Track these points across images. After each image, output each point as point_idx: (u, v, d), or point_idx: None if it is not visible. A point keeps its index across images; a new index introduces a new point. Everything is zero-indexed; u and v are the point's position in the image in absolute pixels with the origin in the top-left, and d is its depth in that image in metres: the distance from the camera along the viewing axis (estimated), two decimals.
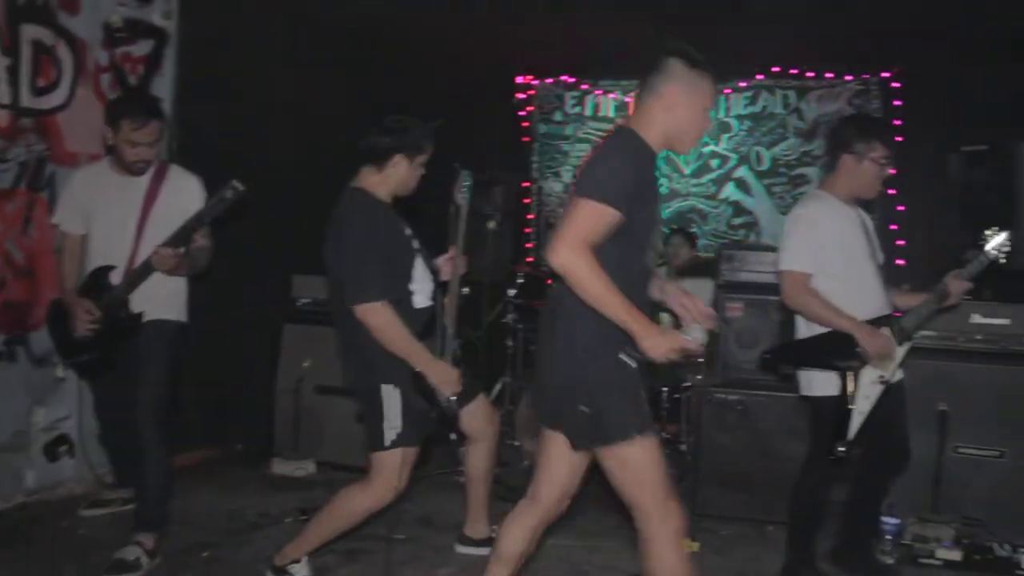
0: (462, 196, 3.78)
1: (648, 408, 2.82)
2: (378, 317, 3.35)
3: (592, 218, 2.61)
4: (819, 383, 3.71)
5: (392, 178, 3.55)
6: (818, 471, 3.77)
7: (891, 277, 3.94)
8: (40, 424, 4.61)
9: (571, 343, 2.75)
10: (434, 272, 3.70)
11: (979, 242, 3.70)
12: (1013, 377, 4.42)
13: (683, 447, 6.01)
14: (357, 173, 3.59)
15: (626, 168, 2.70)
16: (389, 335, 3.37)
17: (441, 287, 3.71)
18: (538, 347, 2.99)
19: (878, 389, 3.62)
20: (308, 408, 5.53)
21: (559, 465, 2.97)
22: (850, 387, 3.59)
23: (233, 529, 4.35)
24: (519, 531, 3.08)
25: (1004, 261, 3.64)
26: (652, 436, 2.76)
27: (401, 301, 3.46)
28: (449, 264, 3.82)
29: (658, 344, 2.62)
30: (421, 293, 3.58)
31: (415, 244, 3.62)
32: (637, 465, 2.75)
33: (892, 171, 3.72)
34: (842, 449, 3.59)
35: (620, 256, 2.69)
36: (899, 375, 3.77)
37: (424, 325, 3.54)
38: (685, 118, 2.81)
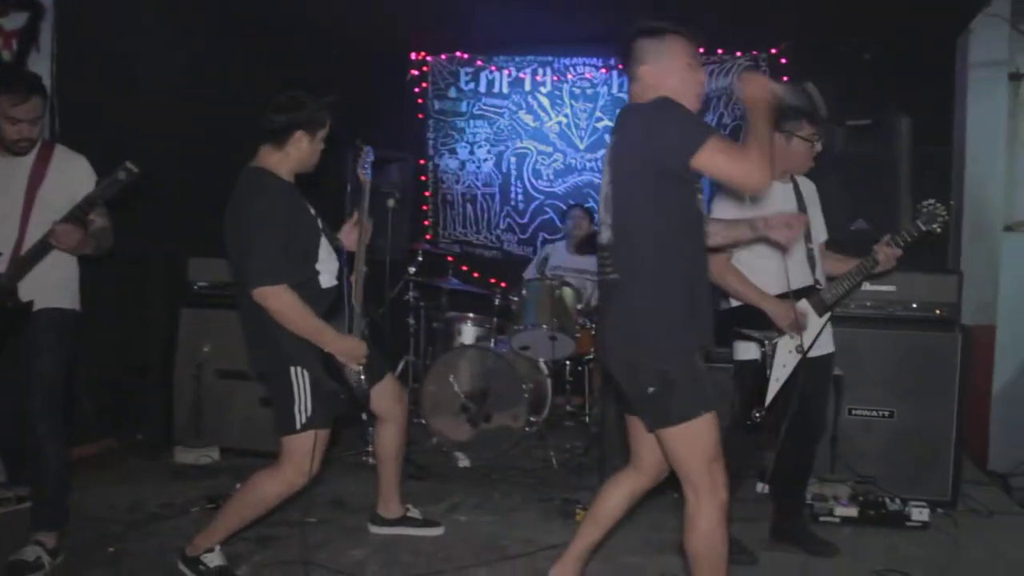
0: (364, 173, 3.76)
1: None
2: (278, 300, 3.26)
3: (727, 147, 2.71)
4: (742, 348, 3.86)
5: (293, 156, 3.46)
6: (738, 438, 3.88)
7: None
8: None
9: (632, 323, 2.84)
10: (338, 251, 3.64)
11: (918, 208, 3.76)
12: (899, 341, 4.64)
13: (587, 419, 6.13)
14: (256, 152, 3.49)
15: (685, 111, 2.78)
16: (291, 317, 3.28)
17: (348, 265, 3.66)
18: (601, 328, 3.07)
19: (795, 358, 3.73)
20: (209, 394, 5.41)
21: (648, 437, 2.99)
22: (767, 354, 3.72)
23: (138, 521, 4.22)
24: (619, 496, 3.18)
25: (939, 230, 3.74)
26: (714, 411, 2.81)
27: (308, 281, 3.40)
28: (353, 232, 3.78)
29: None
30: (327, 273, 3.51)
31: (319, 223, 3.55)
32: (696, 440, 2.79)
33: (820, 147, 3.86)
34: (758, 415, 3.71)
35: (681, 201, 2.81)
36: (828, 348, 3.92)
37: (330, 305, 3.49)
38: (675, 86, 2.84)
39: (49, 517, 3.69)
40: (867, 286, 4.64)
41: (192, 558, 3.50)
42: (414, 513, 4.19)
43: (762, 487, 4.70)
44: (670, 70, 2.86)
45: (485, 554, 3.92)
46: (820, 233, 3.99)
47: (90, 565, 3.69)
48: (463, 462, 5.38)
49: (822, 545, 4.01)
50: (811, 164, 3.91)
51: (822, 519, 4.33)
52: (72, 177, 3.78)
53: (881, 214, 5.13)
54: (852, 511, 4.34)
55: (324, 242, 3.51)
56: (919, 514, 4.30)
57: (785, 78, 7.18)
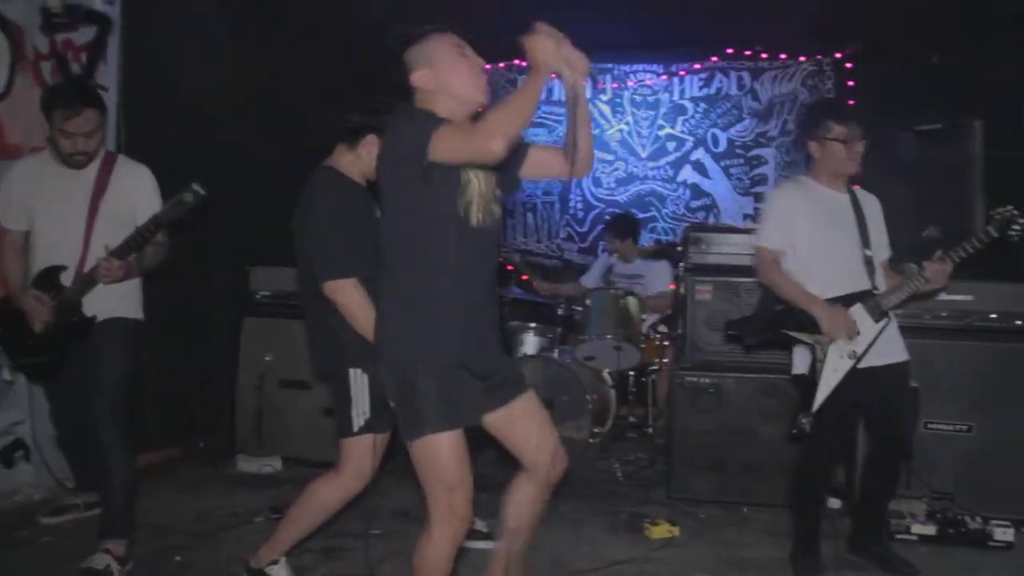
0: None
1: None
2: (347, 295, 3.20)
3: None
4: (799, 362, 3.76)
5: (364, 158, 3.43)
6: (811, 455, 3.78)
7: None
8: None
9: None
10: None
11: (991, 214, 3.64)
12: (977, 352, 4.48)
13: (650, 430, 6.03)
14: (331, 151, 3.49)
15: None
16: (356, 314, 3.20)
17: None
18: None
19: (847, 364, 3.61)
20: (271, 403, 5.42)
21: (517, 432, 2.89)
22: (818, 357, 3.61)
23: (203, 531, 4.21)
24: (521, 502, 3.07)
25: (1018, 238, 3.57)
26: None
27: (371, 281, 3.34)
28: None
29: None
30: None
31: None
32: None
33: (860, 144, 3.73)
34: (804, 421, 3.58)
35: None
36: (898, 357, 3.76)
37: None
38: (454, 85, 2.74)
39: (117, 525, 3.69)
40: (943, 296, 4.46)
41: (257, 570, 3.46)
42: (480, 526, 4.12)
43: (835, 503, 4.58)
44: (446, 70, 2.74)
45: (551, 570, 3.84)
46: (881, 249, 3.86)
47: (157, 574, 3.69)
48: None
49: (901, 564, 3.86)
50: (854, 166, 3.76)
51: (899, 537, 4.17)
52: (135, 188, 3.81)
53: (953, 221, 4.97)
54: (930, 529, 4.18)
55: None
56: (1003, 534, 4.13)
57: (850, 83, 7.09)
